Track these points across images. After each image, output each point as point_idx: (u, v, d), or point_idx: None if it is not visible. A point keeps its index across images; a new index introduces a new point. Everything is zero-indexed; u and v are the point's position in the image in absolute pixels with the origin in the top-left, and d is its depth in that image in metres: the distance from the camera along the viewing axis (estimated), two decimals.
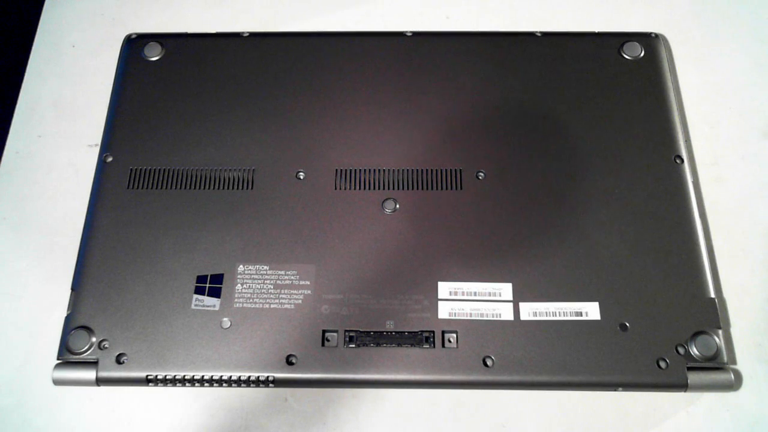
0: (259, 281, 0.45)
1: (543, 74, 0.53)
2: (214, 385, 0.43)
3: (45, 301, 0.48)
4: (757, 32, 0.59)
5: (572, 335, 0.44)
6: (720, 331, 0.44)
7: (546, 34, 0.55)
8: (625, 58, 0.53)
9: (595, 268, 0.45)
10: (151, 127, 0.51)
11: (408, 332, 0.44)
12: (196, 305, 0.45)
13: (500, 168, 0.49)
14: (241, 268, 0.46)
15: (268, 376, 0.43)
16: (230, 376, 0.43)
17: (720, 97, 0.56)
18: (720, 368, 0.43)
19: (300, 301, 0.45)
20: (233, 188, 0.48)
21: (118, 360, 0.43)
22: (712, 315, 0.44)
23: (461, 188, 0.48)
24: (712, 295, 0.45)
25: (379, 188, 0.48)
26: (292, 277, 0.45)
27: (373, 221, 0.47)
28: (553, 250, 0.46)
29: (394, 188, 0.48)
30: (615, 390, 0.43)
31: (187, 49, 0.54)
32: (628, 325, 0.44)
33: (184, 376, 0.43)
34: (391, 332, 0.44)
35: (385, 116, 0.51)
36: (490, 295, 0.45)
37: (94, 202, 0.48)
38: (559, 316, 0.44)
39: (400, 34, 0.55)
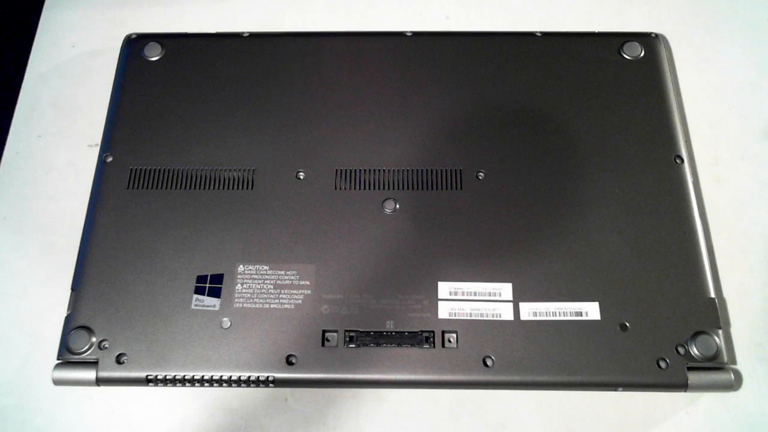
0: (259, 281, 0.45)
1: (543, 74, 0.53)
2: (214, 385, 0.43)
3: (45, 301, 0.48)
4: (757, 32, 0.59)
5: (572, 335, 0.44)
6: (720, 331, 0.44)
7: (546, 34, 0.55)
8: (625, 58, 0.53)
9: (595, 268, 0.45)
10: (151, 127, 0.51)
11: (408, 332, 0.44)
12: (196, 305, 0.45)
13: (500, 168, 0.49)
14: (241, 268, 0.46)
15: (268, 376, 0.43)
16: (230, 376, 0.43)
17: (720, 97, 0.56)
18: (720, 368, 0.43)
19: (300, 301, 0.45)
20: (233, 188, 0.48)
21: (118, 360, 0.43)
22: (712, 315, 0.44)
23: (461, 188, 0.48)
24: (712, 295, 0.45)
25: (379, 188, 0.48)
26: (292, 277, 0.45)
27: (373, 221, 0.47)
28: (553, 250, 0.46)
29: (394, 188, 0.48)
30: (615, 390, 0.43)
31: (187, 49, 0.54)
32: (628, 325, 0.44)
33: (184, 376, 0.43)
34: (391, 332, 0.44)
35: (385, 116, 0.51)
36: (490, 295, 0.45)
37: (94, 202, 0.48)
38: (559, 316, 0.44)
39: (400, 34, 0.55)
